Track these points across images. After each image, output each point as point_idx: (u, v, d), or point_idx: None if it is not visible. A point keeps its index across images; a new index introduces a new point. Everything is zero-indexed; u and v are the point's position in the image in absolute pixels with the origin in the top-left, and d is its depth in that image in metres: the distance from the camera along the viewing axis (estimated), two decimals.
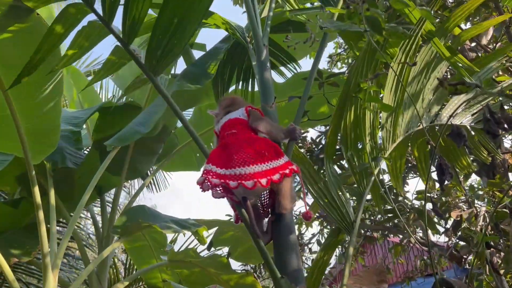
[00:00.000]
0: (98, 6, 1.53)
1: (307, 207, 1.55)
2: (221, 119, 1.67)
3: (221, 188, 1.50)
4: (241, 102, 1.73)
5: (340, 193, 1.70)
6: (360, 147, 1.78)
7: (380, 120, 1.93)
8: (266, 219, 1.60)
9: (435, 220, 3.94)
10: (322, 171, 5.08)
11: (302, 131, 4.24)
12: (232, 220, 5.46)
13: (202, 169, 1.45)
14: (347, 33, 2.11)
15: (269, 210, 1.63)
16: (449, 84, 1.40)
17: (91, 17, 1.63)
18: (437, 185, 3.99)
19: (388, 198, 1.79)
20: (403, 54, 1.85)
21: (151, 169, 4.49)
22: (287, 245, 1.42)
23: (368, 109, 1.67)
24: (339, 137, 1.85)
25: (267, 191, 1.61)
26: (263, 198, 1.63)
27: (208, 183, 1.40)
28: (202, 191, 1.48)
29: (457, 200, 3.70)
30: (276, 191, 1.50)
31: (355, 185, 2.48)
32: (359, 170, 1.70)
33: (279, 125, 1.63)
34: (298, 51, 3.56)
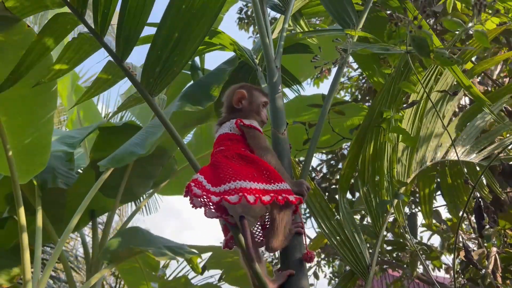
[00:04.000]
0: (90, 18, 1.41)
1: (308, 247, 1.37)
2: (217, 131, 1.48)
3: (214, 206, 1.30)
4: (228, 104, 1.50)
5: (354, 231, 1.54)
6: (377, 181, 1.63)
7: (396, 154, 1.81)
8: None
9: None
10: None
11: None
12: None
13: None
14: (363, 59, 2.02)
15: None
16: None
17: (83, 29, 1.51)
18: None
19: (409, 236, 1.64)
20: (425, 82, 1.74)
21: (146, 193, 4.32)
22: None
23: (389, 141, 1.53)
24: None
25: (267, 215, 1.42)
26: (261, 226, 1.45)
27: (190, 192, 1.22)
28: (192, 207, 1.28)
29: (465, 239, 3.54)
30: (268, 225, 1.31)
31: (364, 222, 2.30)
32: (379, 208, 1.55)
33: (285, 171, 1.39)
34: (301, 73, 3.46)
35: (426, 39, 0.95)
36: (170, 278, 4.90)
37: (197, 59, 3.18)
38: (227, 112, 1.51)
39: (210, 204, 1.29)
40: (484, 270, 3.10)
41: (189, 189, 1.22)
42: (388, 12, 1.77)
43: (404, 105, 1.50)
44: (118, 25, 1.31)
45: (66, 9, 1.44)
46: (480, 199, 1.52)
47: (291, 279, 1.29)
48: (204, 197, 1.22)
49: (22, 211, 2.54)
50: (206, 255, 4.22)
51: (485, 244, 3.37)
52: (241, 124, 1.41)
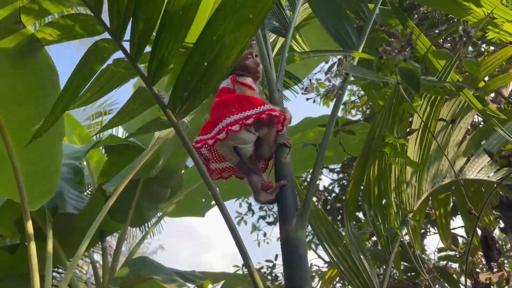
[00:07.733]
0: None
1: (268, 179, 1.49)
2: None
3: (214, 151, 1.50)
4: None
5: (362, 257, 1.50)
6: (384, 203, 1.59)
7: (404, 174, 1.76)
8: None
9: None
10: (337, 222, 4.83)
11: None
12: (240, 272, 5.16)
13: None
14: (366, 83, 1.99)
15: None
16: (500, 157, 1.23)
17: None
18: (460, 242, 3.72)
19: (418, 261, 1.58)
20: (428, 104, 1.70)
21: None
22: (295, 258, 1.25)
23: (394, 164, 1.49)
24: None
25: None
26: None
27: (196, 149, 1.41)
28: (200, 158, 1.46)
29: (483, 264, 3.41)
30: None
31: (372, 246, 2.23)
32: (386, 234, 1.50)
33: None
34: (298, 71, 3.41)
35: (415, 71, 0.93)
36: None
37: None
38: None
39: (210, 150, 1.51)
40: None
41: (193, 147, 1.41)
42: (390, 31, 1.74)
43: (404, 134, 1.47)
44: (152, 50, 1.36)
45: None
46: (484, 229, 1.45)
47: (288, 228, 1.30)
48: (205, 145, 1.42)
49: (31, 237, 2.53)
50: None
51: (506, 268, 3.24)
52: (235, 80, 1.54)
